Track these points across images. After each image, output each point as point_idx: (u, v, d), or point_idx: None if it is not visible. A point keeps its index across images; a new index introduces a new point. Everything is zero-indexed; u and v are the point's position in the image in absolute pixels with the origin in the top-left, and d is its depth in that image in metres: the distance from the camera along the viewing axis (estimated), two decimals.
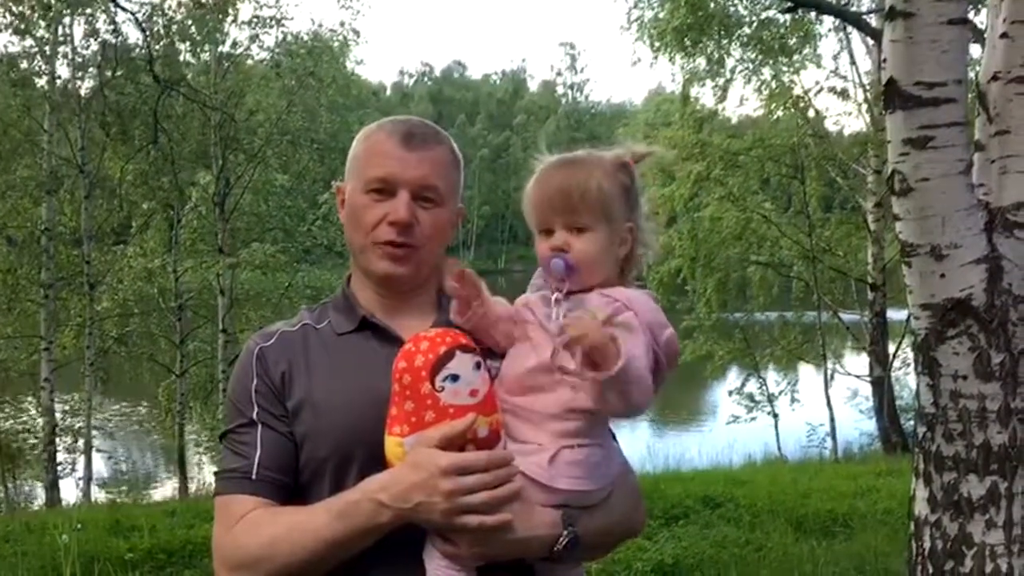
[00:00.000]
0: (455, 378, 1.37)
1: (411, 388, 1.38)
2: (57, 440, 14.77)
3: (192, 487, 15.28)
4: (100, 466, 17.03)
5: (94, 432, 15.67)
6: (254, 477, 1.49)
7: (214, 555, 1.51)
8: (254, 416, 1.53)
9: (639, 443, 14.73)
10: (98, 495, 14.35)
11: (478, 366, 1.40)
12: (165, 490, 15.73)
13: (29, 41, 14.20)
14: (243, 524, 1.47)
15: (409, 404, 1.38)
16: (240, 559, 1.46)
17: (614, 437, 1.60)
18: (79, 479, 14.95)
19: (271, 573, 1.44)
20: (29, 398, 16.78)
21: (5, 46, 14.06)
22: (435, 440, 1.36)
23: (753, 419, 17.65)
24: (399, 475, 1.37)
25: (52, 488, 13.99)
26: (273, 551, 1.43)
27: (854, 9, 12.88)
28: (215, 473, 1.58)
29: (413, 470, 1.36)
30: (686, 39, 14.50)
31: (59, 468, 14.70)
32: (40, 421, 14.84)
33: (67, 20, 14.42)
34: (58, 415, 15.34)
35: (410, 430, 1.38)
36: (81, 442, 15.29)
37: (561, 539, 1.41)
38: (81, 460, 15.12)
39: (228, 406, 1.59)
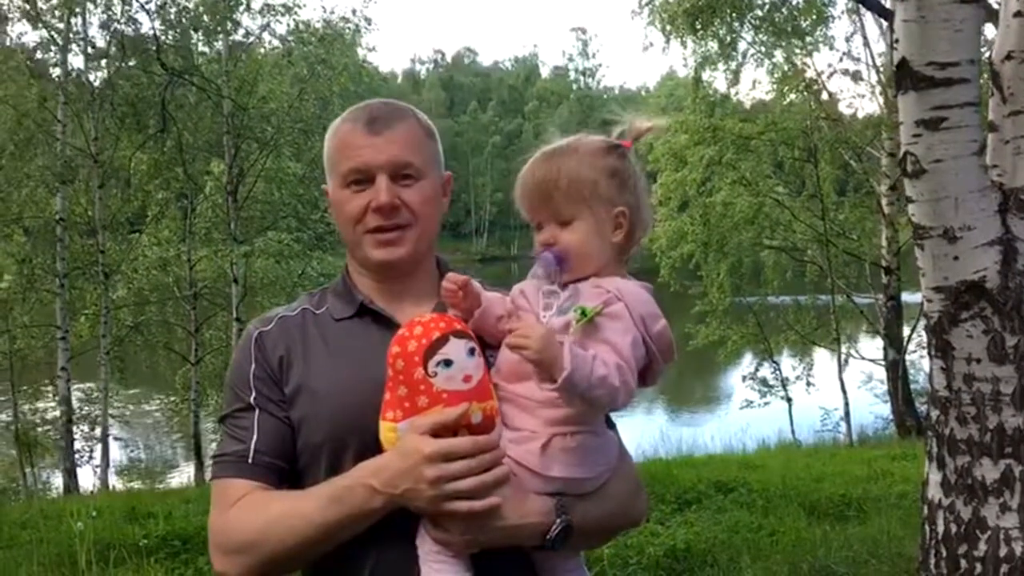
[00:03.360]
0: (448, 363, 1.36)
1: (404, 373, 1.37)
2: (74, 428, 14.91)
3: (208, 474, 15.38)
4: (117, 454, 17.19)
5: (111, 420, 15.80)
6: (250, 461, 1.50)
7: (209, 538, 1.51)
8: (252, 401, 1.53)
9: (653, 428, 14.74)
10: (115, 483, 14.49)
11: (472, 352, 1.39)
12: (182, 477, 15.86)
13: (43, 31, 14.25)
14: (238, 508, 1.47)
15: (403, 389, 1.38)
16: (234, 543, 1.46)
17: (613, 426, 1.59)
18: (96, 467, 15.11)
19: (264, 557, 1.44)
20: (46, 386, 16.94)
21: (19, 36, 14.02)
22: (426, 427, 1.35)
23: (767, 404, 17.64)
24: (388, 461, 1.37)
25: (70, 476, 14.14)
26: (266, 535, 1.43)
27: None
28: (212, 456, 1.58)
29: (400, 457, 1.36)
30: (697, 22, 14.38)
31: (76, 456, 14.86)
32: (58, 409, 14.98)
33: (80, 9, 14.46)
34: (75, 403, 15.48)
35: (403, 415, 1.38)
36: (98, 430, 15.44)
37: (554, 527, 1.40)
38: (98, 448, 15.27)
39: (227, 390, 1.60)
